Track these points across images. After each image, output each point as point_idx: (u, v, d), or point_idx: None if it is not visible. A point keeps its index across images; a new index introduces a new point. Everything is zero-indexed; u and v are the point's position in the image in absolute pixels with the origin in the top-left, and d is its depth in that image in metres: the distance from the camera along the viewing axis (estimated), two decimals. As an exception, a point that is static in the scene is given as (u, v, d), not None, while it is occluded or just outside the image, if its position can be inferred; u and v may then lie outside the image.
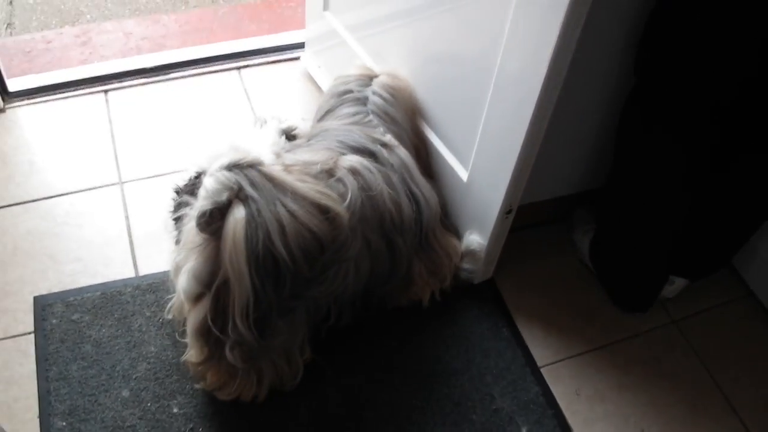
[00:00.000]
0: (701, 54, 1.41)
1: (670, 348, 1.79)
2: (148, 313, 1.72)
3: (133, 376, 1.61)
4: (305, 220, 1.32)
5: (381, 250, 1.56)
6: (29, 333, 1.68)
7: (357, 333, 1.70)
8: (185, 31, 2.55)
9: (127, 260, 1.83)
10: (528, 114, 1.41)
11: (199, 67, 2.35)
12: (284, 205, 1.30)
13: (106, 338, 1.67)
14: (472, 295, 1.82)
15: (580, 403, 1.68)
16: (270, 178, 1.31)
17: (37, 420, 1.54)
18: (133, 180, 2.01)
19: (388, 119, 1.70)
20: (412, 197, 1.63)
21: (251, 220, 1.27)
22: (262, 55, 2.41)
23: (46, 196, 1.95)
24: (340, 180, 1.48)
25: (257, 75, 2.35)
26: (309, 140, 1.65)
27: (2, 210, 1.91)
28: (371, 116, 1.69)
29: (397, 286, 1.68)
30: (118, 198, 1.96)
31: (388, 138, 1.65)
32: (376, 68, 1.84)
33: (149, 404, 1.58)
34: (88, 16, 2.82)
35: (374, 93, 1.72)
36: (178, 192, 1.80)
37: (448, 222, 1.83)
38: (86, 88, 2.25)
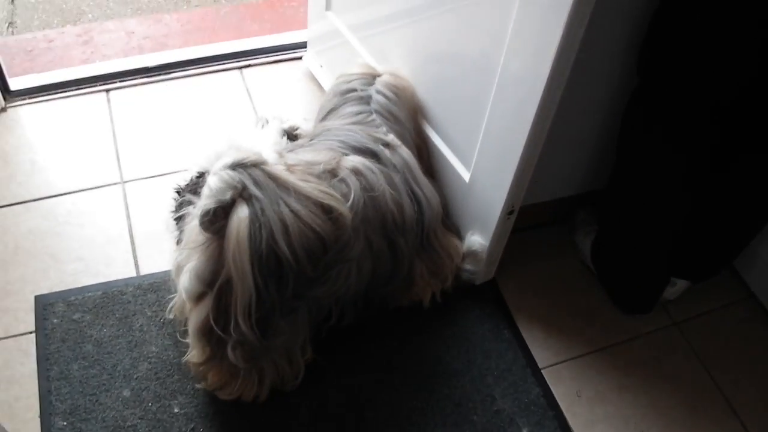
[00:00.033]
0: (702, 53, 1.41)
1: (671, 350, 1.79)
2: (149, 313, 1.72)
3: (134, 376, 1.61)
4: (308, 220, 1.32)
5: (383, 251, 1.56)
6: (30, 332, 1.68)
7: (358, 333, 1.70)
8: (187, 31, 2.55)
9: (129, 260, 1.83)
10: (531, 114, 1.41)
11: (201, 67, 2.35)
12: (287, 205, 1.30)
13: (107, 338, 1.67)
14: (473, 296, 1.82)
15: (581, 404, 1.68)
16: (273, 178, 1.31)
17: (38, 419, 1.54)
18: (135, 179, 2.01)
19: (391, 118, 1.70)
20: (414, 197, 1.63)
21: (255, 220, 1.27)
22: (264, 55, 2.41)
23: (47, 195, 1.95)
24: (342, 180, 1.48)
25: (259, 75, 2.35)
26: (311, 140, 1.65)
27: (4, 209, 1.91)
28: (374, 115, 1.68)
29: (398, 287, 1.68)
30: (119, 197, 1.96)
31: (391, 138, 1.65)
32: (379, 68, 1.84)
33: (150, 404, 1.57)
34: (90, 15, 2.82)
35: (378, 92, 1.72)
36: (179, 192, 1.80)
37: (450, 222, 1.82)
38: (88, 87, 2.25)
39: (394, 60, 1.87)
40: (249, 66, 2.38)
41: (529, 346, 1.76)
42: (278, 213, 1.29)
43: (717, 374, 1.75)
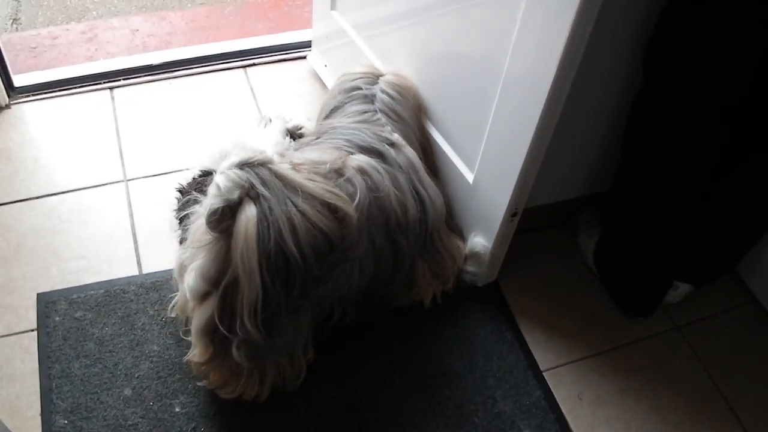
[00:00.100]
0: (708, 53, 1.41)
1: (673, 353, 1.79)
2: (151, 312, 1.72)
3: (136, 375, 1.61)
4: (315, 219, 1.33)
5: (385, 250, 1.56)
6: (32, 330, 1.68)
7: (359, 334, 1.70)
8: (191, 29, 2.55)
9: (131, 258, 1.83)
10: (536, 115, 1.41)
11: (205, 65, 2.35)
12: (295, 204, 1.31)
13: (108, 336, 1.67)
14: (475, 298, 1.82)
15: (582, 407, 1.68)
16: (280, 177, 1.31)
17: (39, 417, 1.54)
18: (138, 178, 2.01)
19: (396, 118, 1.70)
20: (418, 198, 1.63)
21: (263, 219, 1.27)
22: (269, 54, 2.40)
23: (50, 192, 1.95)
24: (348, 180, 1.48)
25: (263, 73, 2.35)
26: (317, 138, 1.65)
27: (6, 206, 1.91)
28: (379, 114, 1.68)
29: (399, 286, 1.68)
30: (122, 196, 1.96)
31: (396, 137, 1.65)
32: (382, 67, 1.84)
33: (151, 403, 1.57)
34: (95, 13, 2.82)
35: (382, 91, 1.72)
36: (181, 191, 1.80)
37: (453, 223, 1.82)
38: (92, 84, 2.25)
39: (399, 60, 1.87)
40: (253, 65, 2.37)
41: (531, 349, 1.75)
42: (286, 212, 1.29)
43: (719, 378, 1.75)
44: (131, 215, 1.92)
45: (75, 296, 1.73)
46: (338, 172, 1.48)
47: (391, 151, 1.60)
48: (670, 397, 1.71)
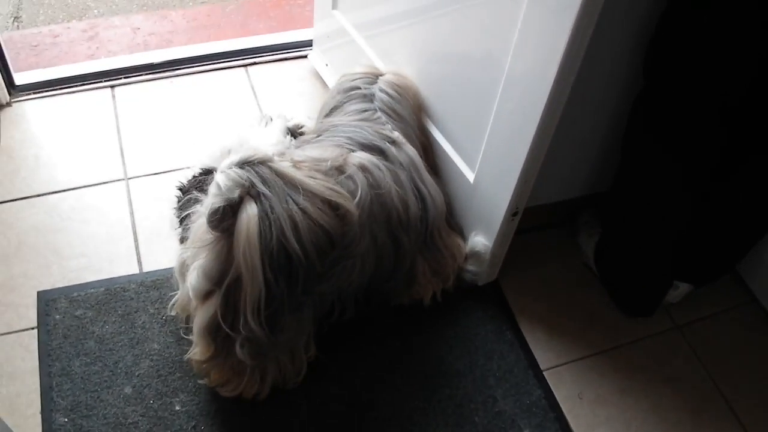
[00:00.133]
0: (709, 54, 1.41)
1: (673, 353, 1.79)
2: (151, 310, 1.72)
3: (136, 373, 1.61)
4: (316, 216, 1.33)
5: (386, 247, 1.56)
6: (32, 328, 1.68)
7: (360, 332, 1.70)
8: (193, 28, 2.55)
9: (132, 256, 1.83)
10: (537, 115, 1.41)
11: (206, 64, 2.35)
12: (295, 202, 1.31)
13: (109, 334, 1.67)
14: (476, 297, 1.82)
15: (583, 406, 1.68)
16: (281, 175, 1.32)
17: (39, 415, 1.54)
18: (139, 176, 2.01)
19: (395, 116, 1.70)
20: (419, 195, 1.63)
21: (264, 217, 1.27)
22: (270, 53, 2.41)
23: (51, 191, 1.95)
24: (350, 177, 1.48)
25: (264, 72, 2.35)
26: (318, 135, 1.66)
27: (7, 204, 1.91)
28: (379, 113, 1.69)
29: (399, 283, 1.68)
30: (123, 194, 1.96)
31: (397, 135, 1.65)
32: (383, 67, 1.84)
33: (152, 401, 1.58)
34: (96, 11, 2.82)
35: (381, 90, 1.72)
36: (182, 189, 1.80)
37: (453, 221, 1.82)
38: (93, 83, 2.25)
39: (400, 59, 1.87)
40: (254, 64, 2.38)
41: (531, 348, 1.76)
42: (287, 210, 1.29)
43: (719, 378, 1.75)
44: (132, 213, 1.92)
45: (75, 294, 1.73)
46: (339, 170, 1.48)
47: (391, 149, 1.61)
48: (670, 396, 1.71)
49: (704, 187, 1.59)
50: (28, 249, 1.82)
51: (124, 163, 2.04)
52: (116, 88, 2.25)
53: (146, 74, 2.29)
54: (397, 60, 1.88)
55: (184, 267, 1.48)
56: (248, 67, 2.36)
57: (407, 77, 1.81)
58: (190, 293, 1.41)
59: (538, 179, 1.57)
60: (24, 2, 2.82)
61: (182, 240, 1.65)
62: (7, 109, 2.14)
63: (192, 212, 1.48)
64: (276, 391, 1.57)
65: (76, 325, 1.67)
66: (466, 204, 1.77)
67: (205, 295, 1.40)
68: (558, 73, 1.32)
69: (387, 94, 1.71)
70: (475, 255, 1.77)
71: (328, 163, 1.47)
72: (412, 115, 1.76)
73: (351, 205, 1.41)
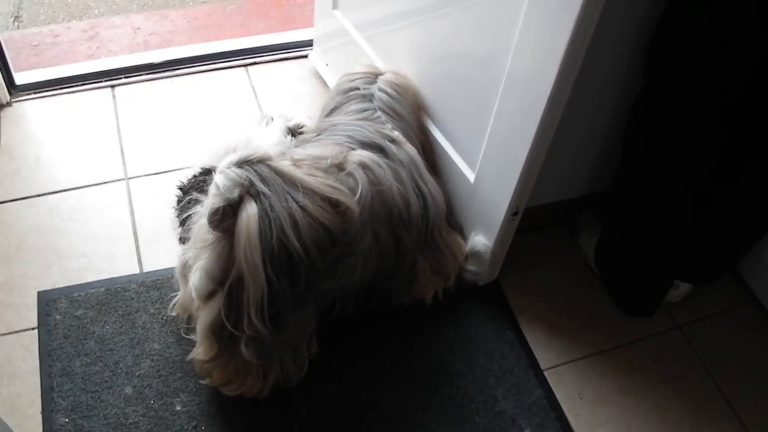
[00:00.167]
0: (710, 54, 1.41)
1: (674, 353, 1.79)
2: (152, 310, 1.72)
3: (137, 373, 1.61)
4: (317, 214, 1.33)
5: (388, 245, 1.56)
6: (33, 328, 1.68)
7: (360, 332, 1.70)
8: (193, 27, 2.56)
9: (132, 257, 1.83)
10: (537, 115, 1.41)
11: (207, 64, 2.35)
12: (295, 200, 1.31)
13: (109, 335, 1.67)
14: (476, 297, 1.82)
15: (583, 406, 1.68)
16: (280, 173, 1.32)
17: (40, 416, 1.54)
18: (139, 176, 2.01)
19: (395, 115, 1.70)
20: (420, 193, 1.63)
21: (264, 216, 1.27)
22: (270, 53, 2.41)
23: (51, 191, 1.95)
24: (350, 174, 1.48)
25: (265, 72, 2.35)
26: (318, 134, 1.66)
27: (8, 204, 1.91)
28: (378, 113, 1.69)
29: (400, 282, 1.68)
30: (123, 194, 1.96)
31: (396, 134, 1.65)
32: (383, 66, 1.84)
33: (152, 401, 1.58)
34: (96, 11, 2.82)
35: (380, 90, 1.72)
36: (182, 189, 1.80)
37: (454, 220, 1.82)
38: (93, 83, 2.25)
39: (401, 59, 1.87)
40: (255, 64, 2.38)
41: (532, 348, 1.76)
42: (287, 208, 1.29)
43: (719, 378, 1.75)
44: (132, 213, 1.92)
45: (76, 294, 1.73)
46: (339, 167, 1.49)
47: (392, 147, 1.61)
48: (671, 396, 1.71)
49: (704, 187, 1.59)
50: (29, 249, 1.82)
51: (124, 163, 2.04)
52: (116, 88, 2.25)
53: (146, 74, 2.29)
54: (397, 59, 1.88)
55: (185, 268, 1.48)
56: (248, 67, 2.36)
57: (406, 76, 1.81)
58: (193, 294, 1.42)
59: (538, 179, 1.57)
60: (24, 2, 2.82)
61: (182, 240, 1.65)
62: (8, 109, 2.14)
63: (192, 213, 1.48)
64: (276, 391, 1.57)
65: (77, 326, 1.68)
66: (467, 204, 1.77)
67: (208, 296, 1.40)
68: (558, 72, 1.32)
69: (386, 93, 1.72)
70: (475, 255, 1.77)
71: (328, 161, 1.47)
72: (411, 114, 1.76)
73: (351, 201, 1.41)
